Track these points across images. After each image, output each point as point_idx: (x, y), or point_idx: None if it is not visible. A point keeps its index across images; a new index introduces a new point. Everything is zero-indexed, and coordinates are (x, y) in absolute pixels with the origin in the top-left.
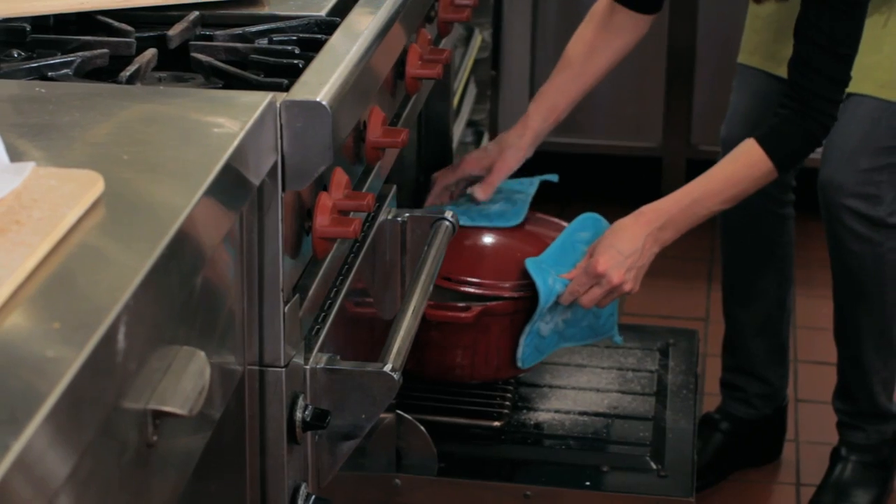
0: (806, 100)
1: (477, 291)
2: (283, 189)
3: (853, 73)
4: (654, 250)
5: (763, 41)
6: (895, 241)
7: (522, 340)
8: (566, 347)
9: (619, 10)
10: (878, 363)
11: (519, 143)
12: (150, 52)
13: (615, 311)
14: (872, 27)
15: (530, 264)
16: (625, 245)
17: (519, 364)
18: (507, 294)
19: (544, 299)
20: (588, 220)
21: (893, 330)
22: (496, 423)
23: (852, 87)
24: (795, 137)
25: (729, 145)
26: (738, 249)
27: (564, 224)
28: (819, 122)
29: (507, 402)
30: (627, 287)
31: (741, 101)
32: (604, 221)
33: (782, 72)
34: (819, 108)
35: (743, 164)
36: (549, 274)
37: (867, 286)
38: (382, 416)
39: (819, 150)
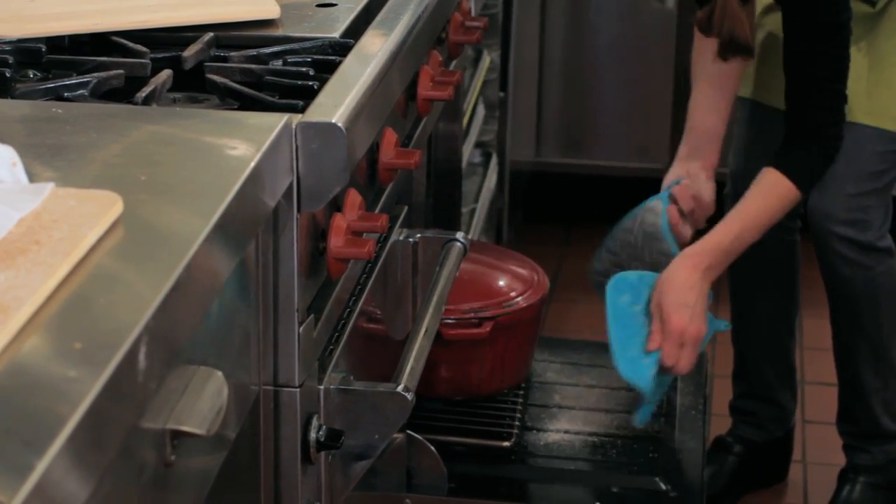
0: (813, 131)
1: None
2: (299, 210)
3: None
4: (707, 289)
5: (752, 72)
6: (886, 264)
7: (638, 418)
8: (575, 369)
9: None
10: (878, 384)
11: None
12: (166, 73)
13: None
14: (854, 55)
15: (623, 365)
16: (687, 296)
17: (636, 423)
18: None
19: (649, 393)
20: (618, 282)
21: (892, 351)
22: (506, 444)
23: None
24: (817, 163)
25: (737, 177)
26: (747, 278)
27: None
28: (833, 144)
29: (517, 423)
30: (703, 334)
31: (741, 133)
32: (630, 275)
33: (774, 101)
34: (828, 135)
35: (776, 198)
36: (639, 363)
37: (862, 310)
38: (394, 436)
39: None
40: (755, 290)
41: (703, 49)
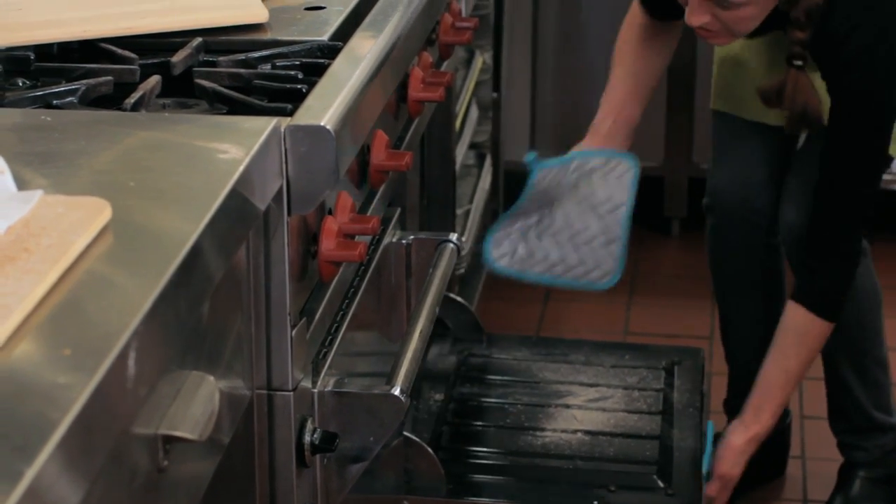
0: (834, 248)
1: None
2: (289, 213)
3: None
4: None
5: (727, 84)
6: (862, 265)
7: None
8: (572, 368)
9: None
10: (865, 380)
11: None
12: (154, 79)
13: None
14: None
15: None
16: (738, 461)
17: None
18: None
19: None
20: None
21: (876, 350)
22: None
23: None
24: (840, 285)
25: (716, 191)
26: (733, 284)
27: None
28: (854, 260)
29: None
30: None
31: (718, 146)
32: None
33: (745, 113)
34: (849, 252)
35: (814, 338)
36: None
37: (843, 319)
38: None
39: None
40: (741, 296)
41: (634, 31)
